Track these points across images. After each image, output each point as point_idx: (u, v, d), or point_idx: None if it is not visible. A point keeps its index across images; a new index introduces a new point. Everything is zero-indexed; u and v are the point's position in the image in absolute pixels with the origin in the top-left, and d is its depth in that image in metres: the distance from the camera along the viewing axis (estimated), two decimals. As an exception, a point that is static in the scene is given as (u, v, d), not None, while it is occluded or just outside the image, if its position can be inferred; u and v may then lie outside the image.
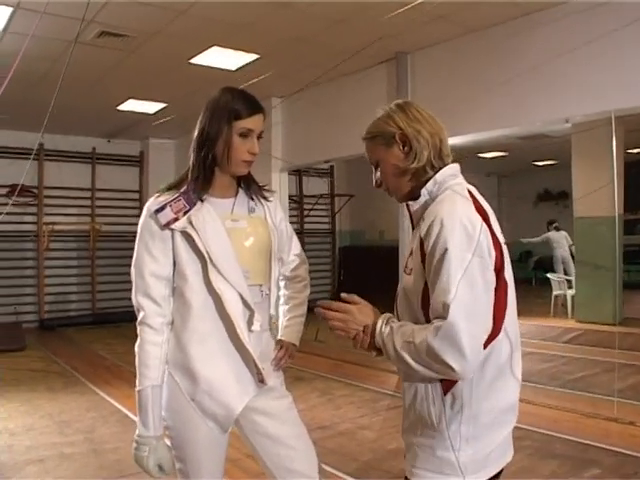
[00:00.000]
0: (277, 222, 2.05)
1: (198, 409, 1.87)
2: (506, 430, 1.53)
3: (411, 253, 1.52)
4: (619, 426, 4.47)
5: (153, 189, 8.75)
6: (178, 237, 1.85)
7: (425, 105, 1.63)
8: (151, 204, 1.88)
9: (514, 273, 1.56)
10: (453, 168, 1.58)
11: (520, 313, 1.59)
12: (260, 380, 1.92)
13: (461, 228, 1.39)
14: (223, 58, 6.27)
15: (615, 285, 8.62)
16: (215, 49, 6.01)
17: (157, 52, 6.01)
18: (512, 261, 1.56)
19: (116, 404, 5.32)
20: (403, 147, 1.57)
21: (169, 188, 1.92)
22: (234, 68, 6.55)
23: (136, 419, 1.87)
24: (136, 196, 10.67)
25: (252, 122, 1.86)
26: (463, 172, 1.59)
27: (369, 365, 6.56)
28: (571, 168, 9.40)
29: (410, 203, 1.58)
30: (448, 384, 1.47)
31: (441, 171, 1.56)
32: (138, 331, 1.86)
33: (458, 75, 5.88)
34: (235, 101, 1.86)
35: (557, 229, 11.04)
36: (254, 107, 1.87)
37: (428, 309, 1.44)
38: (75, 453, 4.08)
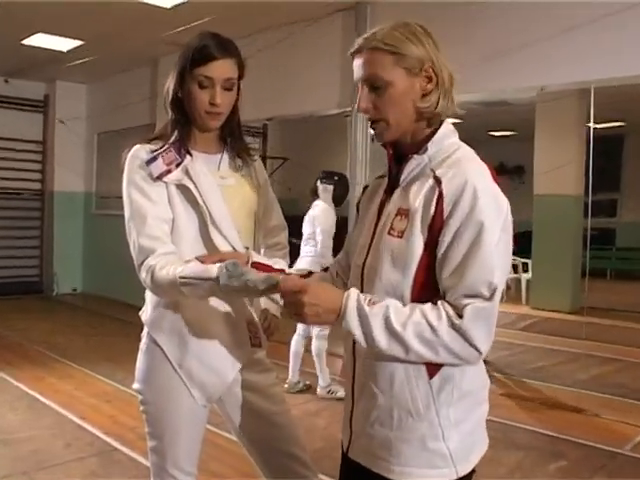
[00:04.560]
0: (262, 182, 2.17)
1: (185, 376, 1.97)
2: (484, 408, 1.57)
3: (399, 214, 1.50)
4: (583, 417, 4.80)
5: (60, 140, 8.57)
6: (173, 189, 1.93)
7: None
8: (139, 151, 1.94)
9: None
10: (449, 123, 1.55)
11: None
12: (255, 344, 2.03)
13: (494, 199, 1.41)
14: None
15: (575, 271, 9.07)
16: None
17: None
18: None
19: (24, 387, 5.26)
20: (427, 84, 1.50)
21: (151, 140, 1.99)
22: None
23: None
24: (39, 147, 10.30)
25: (211, 69, 1.90)
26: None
27: (307, 348, 6.68)
28: (532, 141, 9.74)
29: (415, 157, 1.52)
30: (434, 367, 1.46)
31: (445, 125, 1.53)
32: (150, 272, 1.83)
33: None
34: (196, 46, 1.91)
35: None
36: (214, 52, 1.90)
37: (424, 281, 1.45)
38: (-18, 444, 4.03)
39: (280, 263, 2.02)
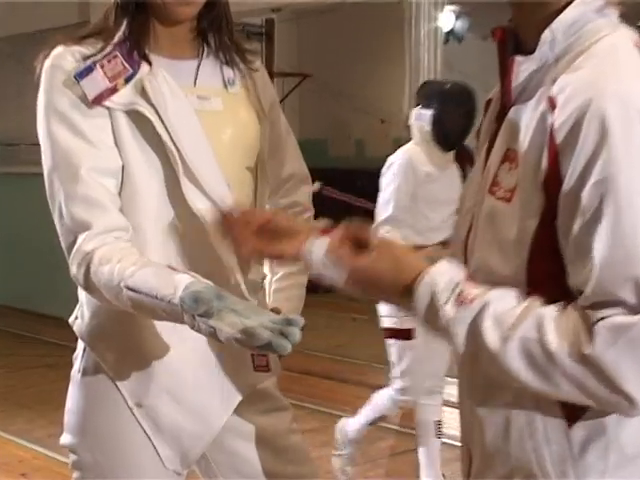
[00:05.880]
0: (267, 106, 2.15)
1: (147, 422, 1.97)
2: None
3: (507, 159, 1.45)
4: None
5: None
6: (121, 120, 1.92)
7: None
8: (63, 58, 1.91)
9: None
10: None
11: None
12: (261, 367, 2.02)
13: None
14: None
15: None
16: None
17: None
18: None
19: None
20: None
21: (82, 38, 1.96)
22: None
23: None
24: None
25: None
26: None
27: (350, 379, 6.86)
28: None
29: (519, 60, 1.44)
30: (575, 408, 1.38)
31: None
32: (84, 265, 1.82)
33: None
34: None
35: None
36: None
37: (545, 274, 1.40)
38: None
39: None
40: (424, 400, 4.49)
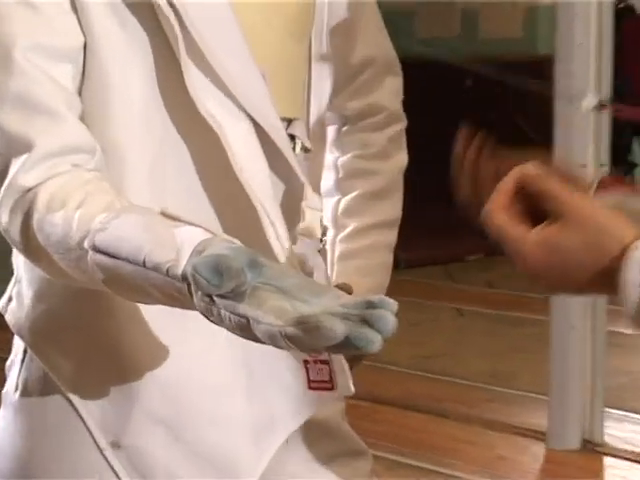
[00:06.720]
0: None
1: (128, 471, 1.98)
2: None
3: None
4: None
5: None
6: None
7: None
8: None
9: None
10: None
11: None
12: (322, 384, 1.94)
13: None
14: None
15: None
16: None
17: None
18: None
19: None
20: None
21: None
22: None
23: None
24: None
25: None
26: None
27: (452, 412, 6.94)
28: None
29: None
30: None
31: None
32: (22, 211, 1.80)
33: None
34: None
35: None
36: None
37: None
38: None
39: None
40: None
